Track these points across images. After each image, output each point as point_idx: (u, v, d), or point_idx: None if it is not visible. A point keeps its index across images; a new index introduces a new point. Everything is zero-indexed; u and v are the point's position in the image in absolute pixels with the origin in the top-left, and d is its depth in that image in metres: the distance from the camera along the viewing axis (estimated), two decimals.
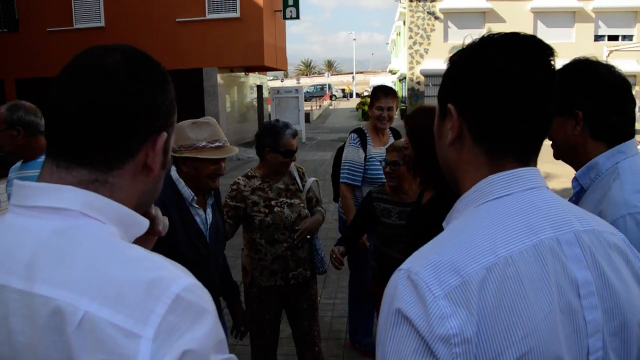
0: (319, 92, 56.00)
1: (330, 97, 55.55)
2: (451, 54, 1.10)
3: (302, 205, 3.40)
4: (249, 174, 3.39)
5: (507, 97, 0.98)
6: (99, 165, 0.91)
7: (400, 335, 0.87)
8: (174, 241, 2.49)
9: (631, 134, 1.73)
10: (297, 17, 20.80)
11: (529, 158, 1.03)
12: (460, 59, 1.05)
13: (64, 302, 0.78)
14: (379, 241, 3.44)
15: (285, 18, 20.98)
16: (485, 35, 1.03)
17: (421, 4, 30.47)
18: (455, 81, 1.05)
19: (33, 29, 19.12)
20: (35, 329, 0.79)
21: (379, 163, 4.13)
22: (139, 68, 0.95)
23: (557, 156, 1.87)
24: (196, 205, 2.64)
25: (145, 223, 0.99)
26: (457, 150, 1.06)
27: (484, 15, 29.51)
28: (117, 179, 0.93)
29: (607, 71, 1.71)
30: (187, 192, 2.60)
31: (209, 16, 19.08)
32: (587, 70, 1.72)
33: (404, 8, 31.85)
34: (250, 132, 23.74)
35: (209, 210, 2.72)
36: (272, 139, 3.27)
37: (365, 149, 4.29)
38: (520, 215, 0.95)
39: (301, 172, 3.56)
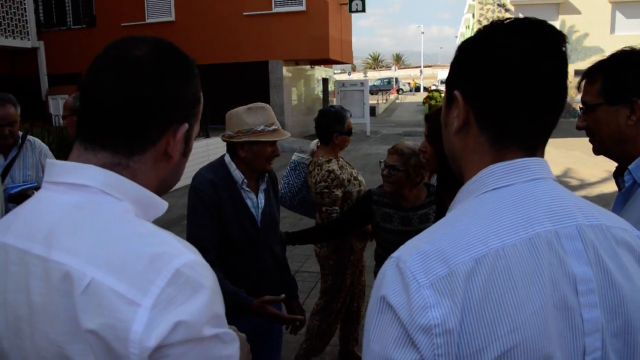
0: (385, 86, 55.72)
1: (397, 91, 55.10)
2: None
3: None
4: (326, 159, 3.66)
5: (512, 87, 0.95)
6: (122, 150, 0.98)
7: (384, 322, 0.87)
8: (223, 221, 2.60)
9: None
10: (363, 10, 20.75)
11: (535, 148, 0.99)
12: (468, 45, 1.03)
13: (73, 268, 0.86)
14: (381, 248, 3.28)
15: (351, 11, 20.98)
16: (495, 21, 1.01)
17: None
18: (462, 68, 1.03)
19: (109, 24, 19.91)
20: (49, 290, 0.87)
21: None
22: (164, 61, 1.00)
23: (599, 151, 1.79)
24: (247, 189, 2.70)
25: (164, 205, 1.05)
26: (462, 139, 1.04)
27: (557, 6, 28.40)
28: (139, 164, 0.99)
29: None
30: (237, 174, 2.67)
31: (275, 10, 19.34)
32: None
33: (474, 0, 31.18)
34: None
35: (261, 195, 2.78)
36: (341, 124, 3.69)
37: None
38: (518, 207, 0.92)
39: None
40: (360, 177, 3.81)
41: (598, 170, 11.60)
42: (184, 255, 0.89)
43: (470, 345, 0.83)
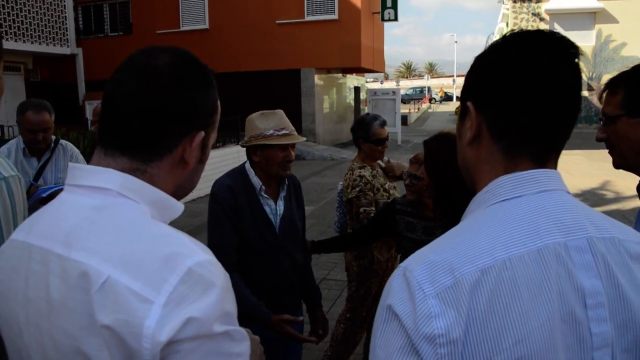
0: (418, 95, 55.52)
1: (430, 100, 54.80)
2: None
3: None
4: (359, 165, 3.71)
5: (529, 95, 0.95)
6: (140, 156, 1.02)
7: (389, 331, 0.88)
8: (241, 226, 2.64)
9: None
10: (396, 19, 20.74)
11: (547, 159, 0.99)
12: (483, 57, 1.03)
13: (91, 266, 0.90)
14: (404, 257, 3.11)
15: (383, 20, 21.00)
16: (508, 34, 1.01)
17: (525, 4, 29.16)
18: (476, 80, 1.03)
19: (144, 31, 20.33)
20: (67, 288, 0.92)
21: None
22: (183, 70, 1.04)
23: (619, 164, 1.76)
24: (265, 195, 2.72)
25: (180, 207, 1.08)
26: (475, 150, 1.04)
27: (594, 15, 27.81)
28: (156, 170, 1.03)
29: None
30: (256, 181, 2.70)
31: (307, 18, 19.51)
32: None
33: (507, 9, 30.82)
34: (346, 132, 23.88)
35: (280, 202, 2.79)
36: (364, 131, 3.66)
37: None
38: (527, 219, 0.91)
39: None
40: (393, 191, 3.76)
41: (635, 182, 11.33)
42: (197, 255, 0.92)
43: (474, 356, 0.83)
